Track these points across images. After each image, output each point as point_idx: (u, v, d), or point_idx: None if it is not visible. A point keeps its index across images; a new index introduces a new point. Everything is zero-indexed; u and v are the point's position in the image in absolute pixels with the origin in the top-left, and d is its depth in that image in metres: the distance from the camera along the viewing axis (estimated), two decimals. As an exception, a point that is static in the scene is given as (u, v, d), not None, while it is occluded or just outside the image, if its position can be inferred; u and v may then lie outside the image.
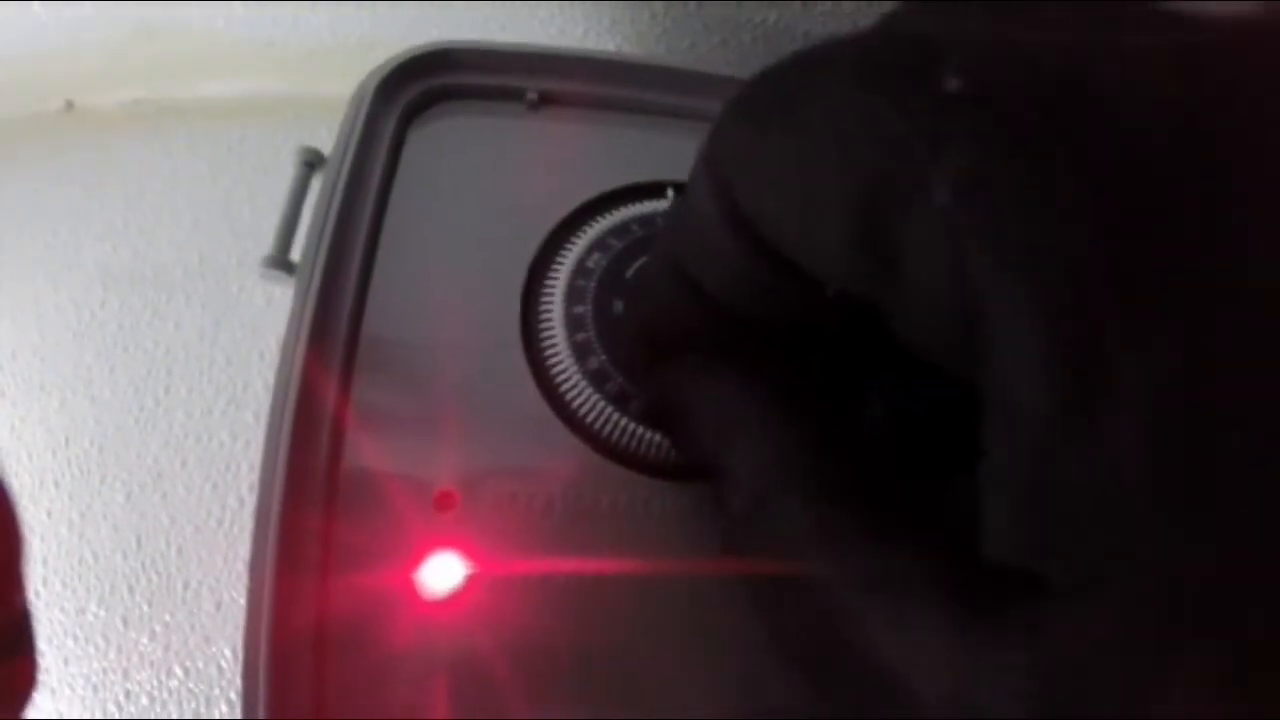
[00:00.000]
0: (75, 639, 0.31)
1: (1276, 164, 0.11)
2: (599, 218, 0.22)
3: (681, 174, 0.19)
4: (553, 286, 0.21)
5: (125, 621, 0.31)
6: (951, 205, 0.11)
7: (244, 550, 0.20)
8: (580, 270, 0.21)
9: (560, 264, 0.22)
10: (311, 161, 0.26)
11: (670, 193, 0.23)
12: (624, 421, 0.20)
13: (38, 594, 0.32)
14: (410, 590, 0.18)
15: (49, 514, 0.33)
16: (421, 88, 0.24)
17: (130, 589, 0.32)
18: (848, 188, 0.12)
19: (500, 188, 0.23)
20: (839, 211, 0.12)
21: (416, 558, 0.18)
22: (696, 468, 0.18)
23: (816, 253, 0.13)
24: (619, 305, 0.21)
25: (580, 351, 0.20)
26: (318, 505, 0.19)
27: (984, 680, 0.11)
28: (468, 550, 0.19)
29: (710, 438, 0.16)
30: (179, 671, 0.31)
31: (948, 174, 0.11)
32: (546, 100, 0.24)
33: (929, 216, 0.11)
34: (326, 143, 0.24)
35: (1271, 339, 0.10)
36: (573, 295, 0.21)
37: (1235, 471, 0.10)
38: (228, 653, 0.31)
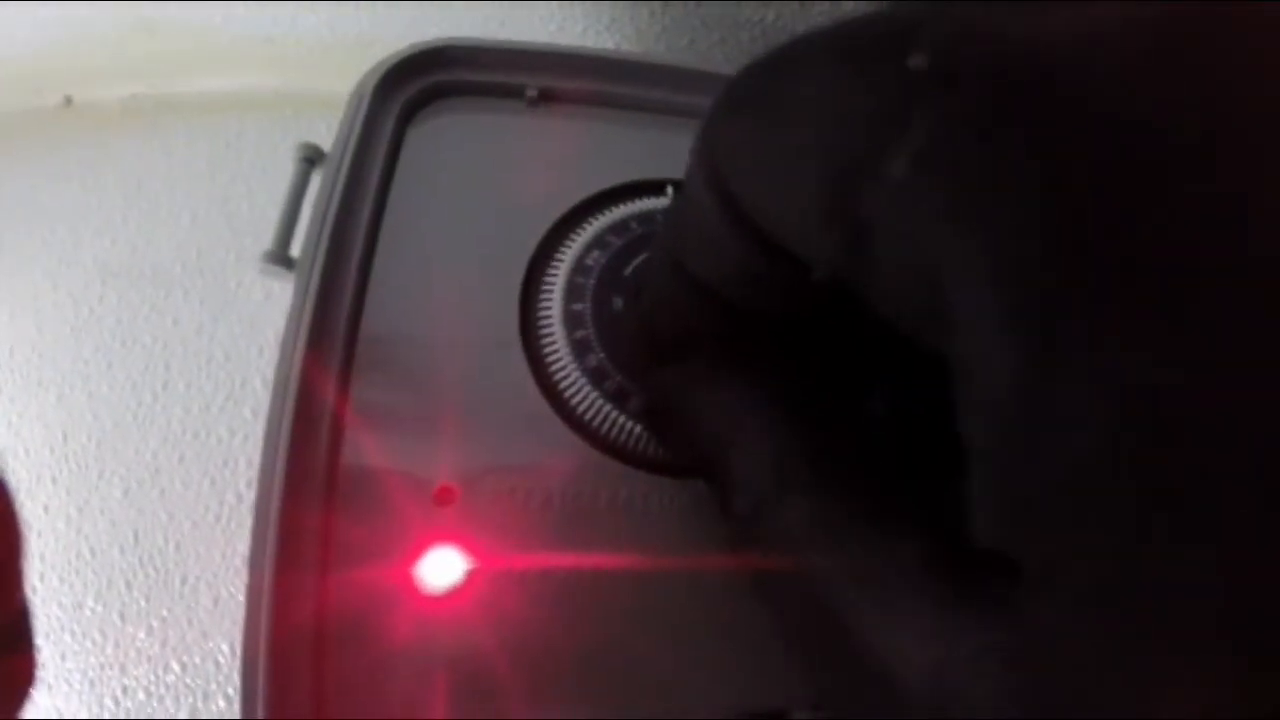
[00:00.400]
0: (72, 634, 0.31)
1: (1256, 139, 0.10)
2: (598, 215, 0.22)
3: (680, 171, 0.19)
4: (552, 284, 0.21)
5: (122, 616, 0.31)
6: (910, 176, 0.11)
7: (241, 546, 0.20)
8: (579, 267, 0.21)
9: (559, 261, 0.22)
10: (311, 158, 0.26)
11: (670, 190, 0.23)
12: (622, 418, 0.20)
13: (35, 589, 0.32)
14: (410, 585, 0.18)
15: (46, 509, 0.33)
16: (421, 85, 0.24)
17: (128, 584, 0.32)
18: (819, 165, 0.12)
19: (499, 185, 0.23)
20: (812, 189, 0.12)
21: (416, 553, 0.18)
22: (691, 466, 0.18)
23: (796, 233, 0.13)
24: (618, 303, 0.21)
25: (579, 349, 0.20)
26: (317, 501, 0.19)
27: (958, 662, 0.11)
28: (467, 545, 0.19)
29: (711, 440, 0.16)
30: (176, 667, 0.31)
31: (908, 145, 0.11)
32: (546, 97, 0.24)
33: (891, 189, 0.11)
34: (326, 139, 0.24)
35: (1245, 326, 0.10)
36: (572, 292, 0.21)
37: (1198, 466, 0.10)
38: (225, 648, 0.31)
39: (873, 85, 0.12)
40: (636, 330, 0.20)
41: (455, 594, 0.18)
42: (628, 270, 0.21)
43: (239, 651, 0.17)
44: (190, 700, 0.31)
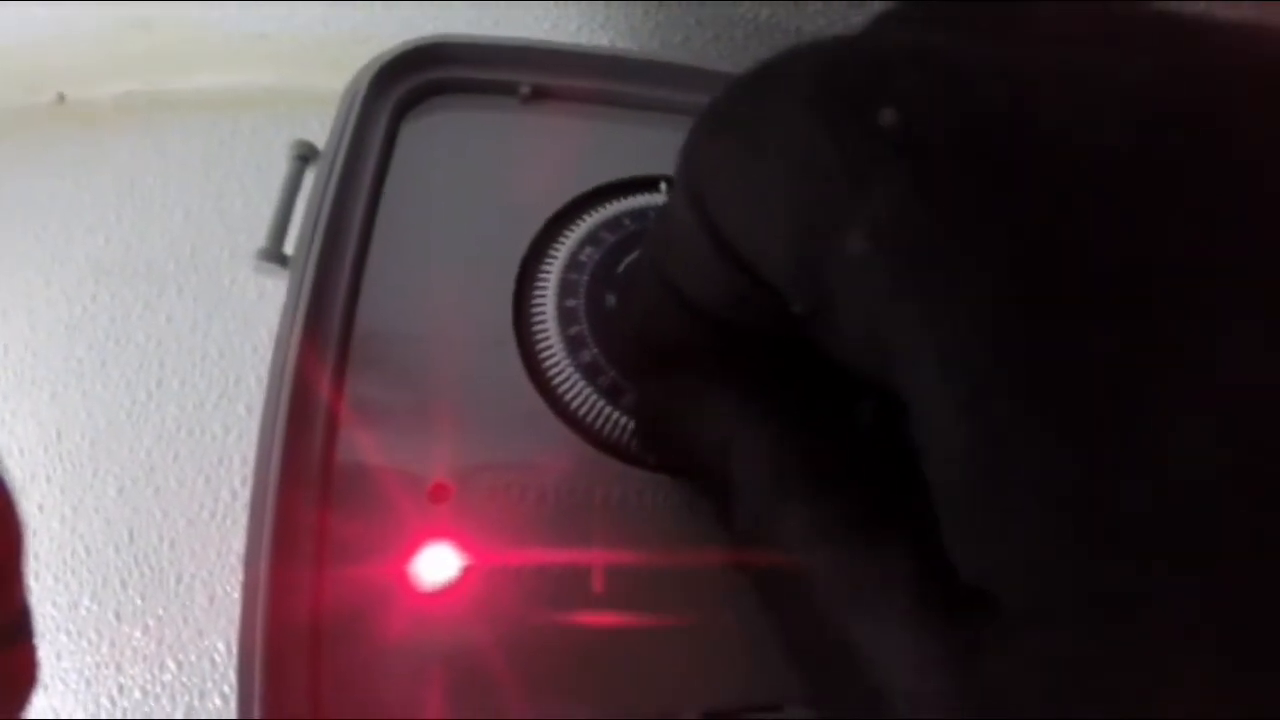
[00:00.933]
0: (68, 634, 0.31)
1: (1240, 230, 0.10)
2: (592, 211, 0.22)
3: (672, 168, 0.18)
4: (545, 280, 0.21)
5: (118, 616, 0.31)
6: (867, 253, 0.11)
7: (237, 543, 0.20)
8: (573, 264, 0.21)
9: (553, 258, 0.22)
10: (305, 155, 0.26)
11: (663, 186, 0.23)
12: (616, 415, 0.20)
13: (30, 589, 0.32)
14: (405, 582, 0.18)
15: (41, 508, 0.33)
16: (415, 81, 0.24)
17: (123, 583, 0.32)
18: (787, 218, 0.12)
19: (493, 182, 0.23)
20: (781, 239, 0.12)
21: (411, 550, 0.18)
22: (686, 474, 0.18)
23: (770, 273, 0.13)
24: (611, 299, 0.21)
25: (573, 345, 0.20)
26: (312, 498, 0.19)
27: (932, 687, 0.11)
28: (462, 542, 0.19)
29: (710, 449, 0.16)
30: (172, 665, 0.31)
31: (867, 218, 0.11)
32: (540, 94, 0.24)
33: (849, 259, 0.11)
34: (320, 135, 0.24)
35: (1194, 443, 0.10)
36: (565, 289, 0.21)
37: (1137, 568, 0.10)
38: (221, 646, 0.31)
39: (839, 139, 0.11)
40: (628, 337, 0.20)
41: (450, 590, 0.18)
42: (621, 267, 0.21)
43: (235, 649, 0.17)
44: (186, 699, 0.31)
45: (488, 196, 0.23)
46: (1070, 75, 0.11)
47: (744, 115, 0.13)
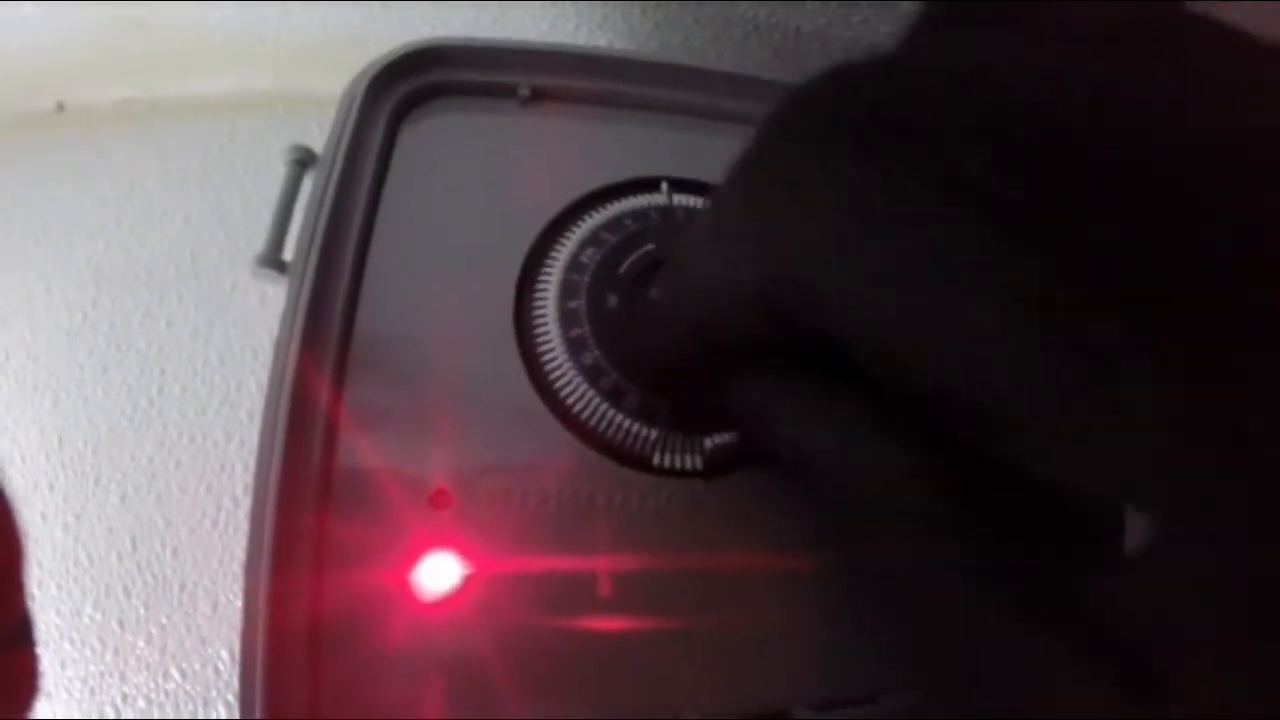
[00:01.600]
0: (71, 642, 0.31)
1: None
2: (592, 213, 0.22)
3: (673, 168, 0.18)
4: (546, 282, 0.21)
5: (121, 624, 0.31)
6: (998, 325, 0.11)
7: (239, 550, 0.20)
8: (574, 265, 0.21)
9: (554, 259, 0.21)
10: (303, 160, 0.26)
11: (664, 187, 0.23)
12: (618, 417, 0.20)
13: (33, 597, 0.32)
14: (406, 588, 0.18)
15: (43, 516, 0.33)
16: (414, 84, 0.24)
17: (126, 591, 0.32)
18: (835, 251, 0.12)
19: (493, 184, 0.23)
20: (835, 269, 0.12)
21: (412, 556, 0.18)
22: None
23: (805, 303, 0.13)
24: (613, 300, 0.21)
25: (574, 347, 0.20)
26: (312, 504, 0.19)
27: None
28: (463, 548, 0.18)
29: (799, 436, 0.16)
30: (176, 674, 0.31)
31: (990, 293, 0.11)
32: (539, 96, 0.24)
33: (964, 330, 0.11)
34: (318, 138, 0.23)
35: None
36: (566, 290, 0.21)
37: None
38: (224, 654, 0.31)
39: (884, 174, 0.12)
40: (649, 369, 0.19)
41: (451, 597, 0.18)
42: (622, 268, 0.21)
43: (237, 655, 0.17)
44: (190, 707, 0.30)
45: (488, 199, 0.23)
46: (1098, 95, 0.11)
47: (775, 153, 0.13)
